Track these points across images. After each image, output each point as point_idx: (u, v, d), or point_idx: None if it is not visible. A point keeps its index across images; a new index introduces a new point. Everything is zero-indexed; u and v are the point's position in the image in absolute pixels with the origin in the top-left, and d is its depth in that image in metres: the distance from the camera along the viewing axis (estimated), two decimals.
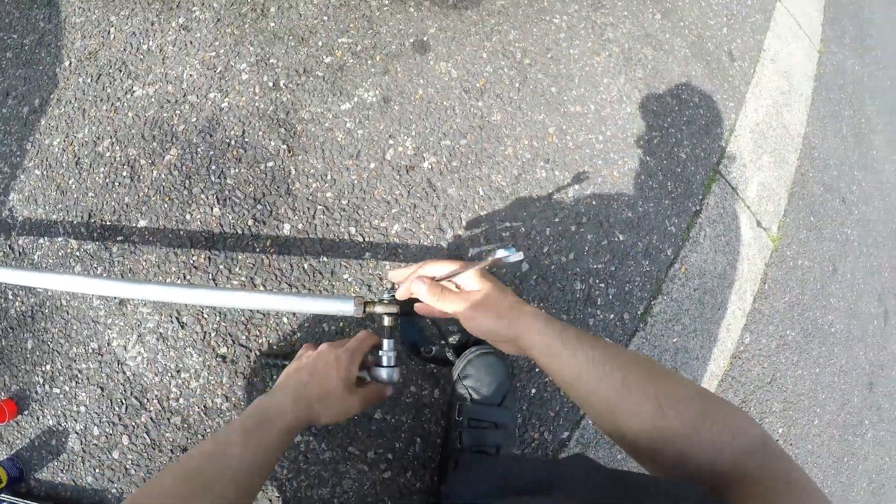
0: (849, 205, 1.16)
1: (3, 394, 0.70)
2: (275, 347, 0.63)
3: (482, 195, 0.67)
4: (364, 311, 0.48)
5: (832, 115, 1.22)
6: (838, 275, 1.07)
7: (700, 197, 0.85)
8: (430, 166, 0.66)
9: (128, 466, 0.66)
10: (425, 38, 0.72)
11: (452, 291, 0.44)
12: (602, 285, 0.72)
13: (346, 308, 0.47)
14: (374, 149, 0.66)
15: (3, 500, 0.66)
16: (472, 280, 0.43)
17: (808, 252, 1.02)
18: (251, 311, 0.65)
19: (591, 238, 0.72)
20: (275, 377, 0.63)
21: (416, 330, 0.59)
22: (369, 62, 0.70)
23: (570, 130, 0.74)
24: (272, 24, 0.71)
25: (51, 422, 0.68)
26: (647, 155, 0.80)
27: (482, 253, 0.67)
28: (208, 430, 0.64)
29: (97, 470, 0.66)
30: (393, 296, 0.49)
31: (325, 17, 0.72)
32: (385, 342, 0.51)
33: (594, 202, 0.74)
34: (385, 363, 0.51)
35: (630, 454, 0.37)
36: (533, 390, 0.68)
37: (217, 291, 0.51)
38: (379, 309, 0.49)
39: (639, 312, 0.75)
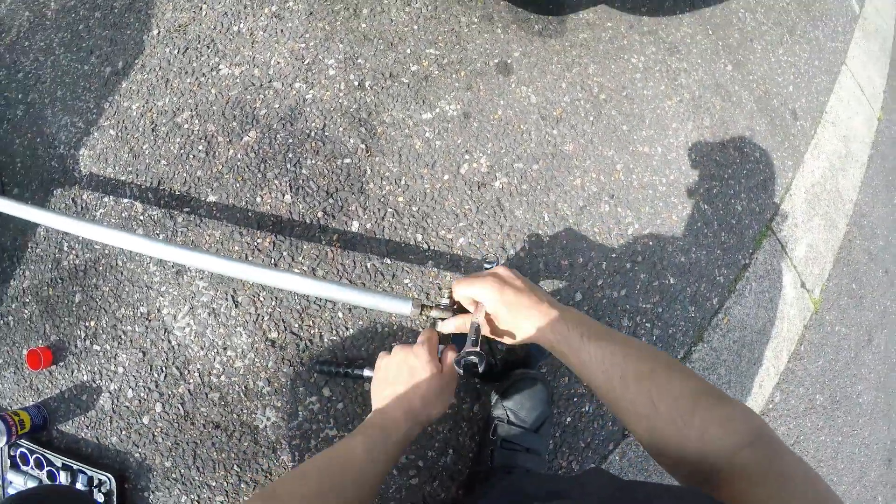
0: (891, 276, 1.22)
1: (41, 341, 0.75)
2: (328, 356, 0.67)
3: (547, 221, 0.72)
4: (420, 313, 0.52)
5: (885, 184, 1.28)
6: (873, 346, 1.12)
7: (750, 251, 0.90)
8: (501, 186, 0.72)
9: (155, 434, 0.70)
10: (509, 61, 0.78)
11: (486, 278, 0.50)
12: (648, 325, 0.77)
13: (404, 309, 0.52)
14: (450, 161, 0.71)
15: (22, 445, 0.70)
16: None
17: (847, 319, 1.07)
18: (308, 299, 0.70)
19: (643, 277, 0.77)
20: (329, 384, 0.68)
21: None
22: (454, 76, 0.75)
23: (636, 170, 0.80)
24: (363, 26, 0.77)
25: (85, 377, 0.72)
26: (706, 203, 0.85)
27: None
28: (244, 411, 0.68)
29: (123, 432, 0.71)
30: (448, 303, 0.53)
31: (416, 26, 0.77)
32: (473, 325, 0.51)
33: (650, 243, 0.79)
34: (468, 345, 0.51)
35: (642, 445, 0.41)
36: (568, 419, 0.72)
37: (280, 273, 0.55)
38: (434, 314, 0.53)
39: (678, 356, 0.80)
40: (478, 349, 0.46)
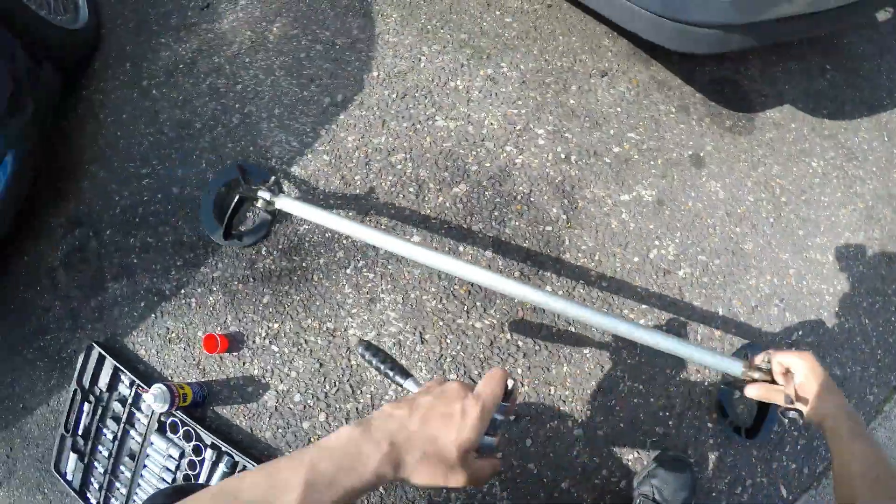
0: None
1: (219, 329, 0.86)
2: (377, 346, 0.65)
3: (720, 315, 0.79)
4: (746, 372, 0.59)
5: None
6: None
7: None
8: (684, 275, 0.79)
9: (312, 440, 0.80)
10: (702, 154, 0.86)
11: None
12: (796, 433, 0.82)
13: (735, 368, 0.58)
14: (641, 244, 0.80)
15: (176, 415, 0.79)
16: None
17: None
18: (492, 350, 0.77)
19: None
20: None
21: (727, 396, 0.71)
22: (651, 162, 0.84)
23: (807, 276, 0.85)
24: (571, 101, 0.87)
25: (256, 371, 0.82)
26: (867, 318, 0.89)
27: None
28: None
29: (280, 430, 0.81)
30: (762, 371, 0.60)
31: (619, 109, 0.86)
32: (501, 406, 0.42)
33: (811, 351, 0.83)
34: (491, 430, 0.42)
35: None
36: None
37: (600, 315, 0.61)
38: (757, 375, 0.59)
39: (817, 471, 0.84)
40: (797, 408, 0.55)
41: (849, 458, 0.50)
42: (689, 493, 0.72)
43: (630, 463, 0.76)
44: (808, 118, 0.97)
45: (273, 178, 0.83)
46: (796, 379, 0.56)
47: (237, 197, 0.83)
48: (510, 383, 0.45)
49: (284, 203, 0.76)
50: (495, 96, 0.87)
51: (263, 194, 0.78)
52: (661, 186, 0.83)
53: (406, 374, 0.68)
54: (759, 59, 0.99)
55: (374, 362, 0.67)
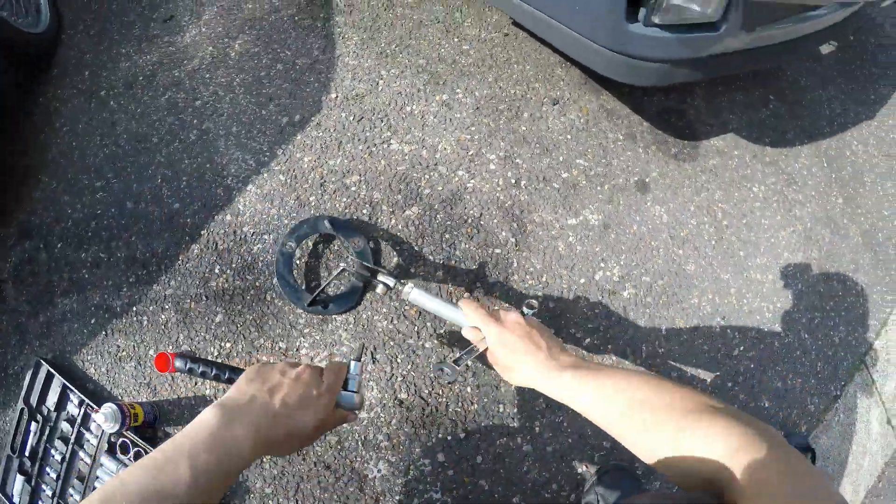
0: None
1: (171, 347, 0.88)
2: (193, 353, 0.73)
3: (664, 334, 0.86)
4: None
5: None
6: None
7: (842, 383, 1.02)
8: (629, 296, 0.86)
9: (265, 459, 0.82)
10: (647, 180, 0.94)
11: (494, 319, 0.59)
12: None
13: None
14: (587, 266, 0.87)
15: (126, 436, 0.80)
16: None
17: None
18: (440, 374, 0.81)
19: (742, 398, 0.90)
20: (444, 451, 0.78)
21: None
22: (598, 188, 0.91)
23: (748, 295, 0.94)
24: (523, 128, 0.94)
25: (208, 392, 0.85)
26: (807, 333, 0.98)
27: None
28: (358, 459, 0.82)
29: None
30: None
31: (569, 136, 0.94)
32: (352, 364, 0.57)
33: (752, 365, 0.91)
34: (350, 387, 0.56)
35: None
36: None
37: None
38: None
39: None
40: (460, 368, 0.57)
41: (593, 415, 0.48)
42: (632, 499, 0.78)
43: (579, 476, 0.81)
44: (751, 146, 1.07)
45: (365, 243, 0.81)
46: (488, 343, 0.58)
47: (341, 268, 0.76)
48: (385, 284, 0.65)
49: (418, 297, 0.66)
50: (450, 121, 0.94)
51: (387, 280, 0.70)
52: (608, 211, 0.90)
53: (235, 370, 0.72)
54: (705, 91, 1.09)
55: (196, 370, 0.69)
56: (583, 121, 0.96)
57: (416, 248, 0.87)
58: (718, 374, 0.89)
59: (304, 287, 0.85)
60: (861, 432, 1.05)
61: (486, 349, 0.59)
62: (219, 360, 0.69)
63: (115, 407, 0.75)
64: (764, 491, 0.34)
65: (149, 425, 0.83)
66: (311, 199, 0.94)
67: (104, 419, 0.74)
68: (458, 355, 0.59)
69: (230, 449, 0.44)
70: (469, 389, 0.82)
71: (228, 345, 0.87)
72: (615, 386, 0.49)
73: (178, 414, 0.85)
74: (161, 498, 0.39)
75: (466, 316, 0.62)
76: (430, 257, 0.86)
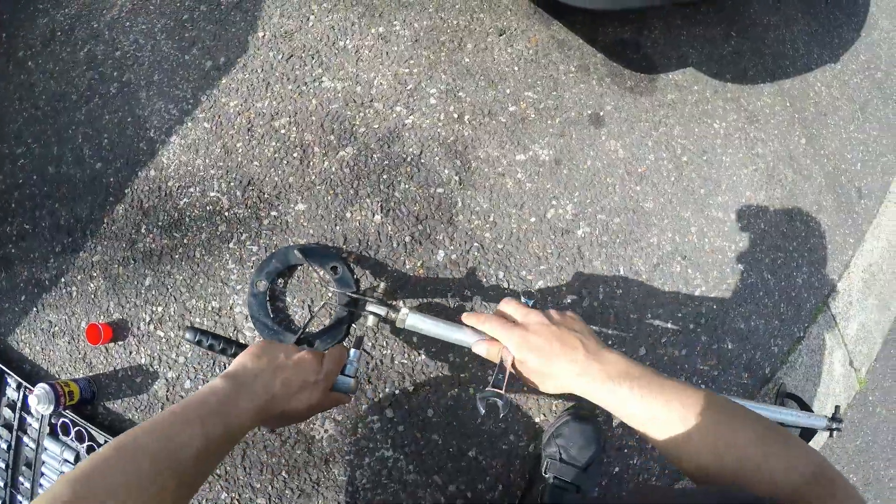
0: None
1: (102, 317, 0.82)
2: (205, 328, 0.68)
3: (621, 274, 0.81)
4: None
5: None
6: None
7: (805, 325, 0.99)
8: (583, 235, 0.80)
9: None
10: (601, 113, 0.88)
11: (514, 329, 0.52)
12: (702, 386, 0.85)
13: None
14: (538, 205, 0.80)
15: (65, 416, 0.76)
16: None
17: (889, 402, 1.15)
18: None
19: (704, 340, 0.85)
20: (392, 406, 0.74)
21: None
22: (549, 122, 0.85)
23: (709, 233, 0.89)
24: (467, 60, 0.87)
25: (143, 360, 0.79)
26: (769, 273, 0.94)
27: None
28: (293, 432, 0.75)
29: None
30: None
31: (517, 68, 0.87)
32: (352, 352, 0.59)
33: (714, 306, 0.87)
34: (348, 372, 0.59)
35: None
36: (616, 469, 0.80)
37: None
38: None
39: None
40: (502, 391, 0.49)
41: (645, 429, 0.46)
42: (595, 450, 0.73)
43: (537, 425, 0.76)
44: (711, 81, 1.02)
45: (341, 267, 0.72)
46: (513, 353, 0.51)
47: (322, 304, 0.72)
48: (375, 314, 0.61)
49: (416, 321, 0.60)
50: (386, 55, 0.86)
51: (378, 310, 0.62)
52: (559, 146, 0.84)
53: (241, 345, 0.67)
54: (663, 22, 1.03)
55: (204, 343, 0.66)
56: (531, 52, 0.89)
57: (352, 191, 0.79)
58: (680, 315, 0.85)
59: (283, 327, 0.76)
60: (825, 374, 1.03)
61: (513, 360, 0.51)
62: (225, 335, 0.67)
63: (47, 387, 0.70)
64: None
65: (87, 402, 0.77)
66: (237, 145, 0.85)
67: (37, 401, 0.70)
68: (493, 387, 0.50)
69: (235, 419, 0.47)
70: (415, 339, 0.75)
71: (160, 308, 0.79)
72: (683, 403, 0.45)
73: (115, 387, 0.78)
74: (175, 458, 0.42)
75: (480, 328, 0.54)
76: (368, 200, 0.78)
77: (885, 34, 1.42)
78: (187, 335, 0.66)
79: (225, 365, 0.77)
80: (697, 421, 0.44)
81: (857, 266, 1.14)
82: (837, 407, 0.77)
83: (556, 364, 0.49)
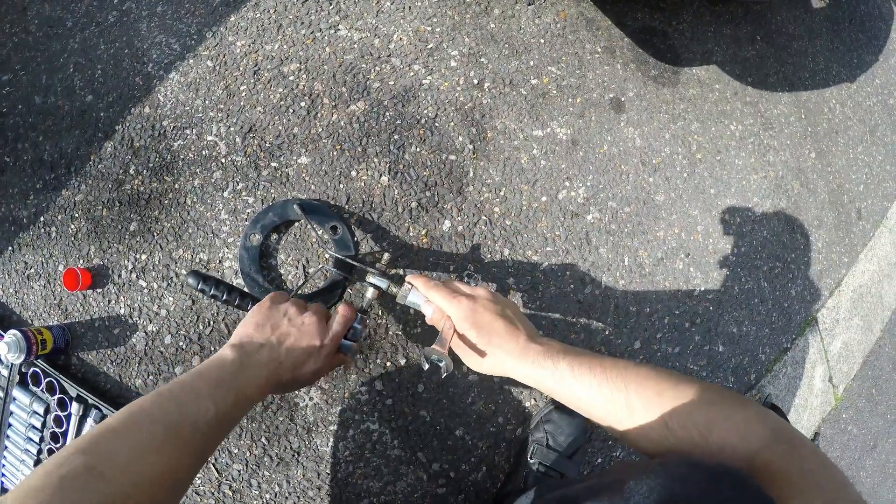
0: None
1: (82, 262, 0.78)
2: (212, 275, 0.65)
3: (626, 265, 0.80)
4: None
5: None
6: (876, 452, 1.25)
7: (793, 336, 1.00)
8: (592, 220, 0.79)
9: None
10: (623, 99, 0.85)
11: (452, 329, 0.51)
12: None
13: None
14: (551, 184, 0.78)
15: (37, 365, 0.73)
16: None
17: (860, 421, 1.19)
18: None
19: (697, 340, 0.86)
20: (383, 379, 0.72)
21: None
22: (570, 100, 0.82)
23: (714, 234, 0.88)
24: (492, 25, 0.83)
25: (122, 310, 0.75)
26: (766, 282, 0.94)
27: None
28: (276, 398, 0.72)
29: (151, 377, 0.74)
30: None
31: (542, 41, 0.84)
32: (358, 317, 0.58)
33: (711, 308, 0.87)
34: (351, 336, 0.58)
35: None
36: (599, 460, 0.79)
37: None
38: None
39: None
40: (445, 351, 0.48)
41: (587, 407, 0.45)
42: (581, 435, 0.73)
43: (526, 409, 0.75)
44: (733, 82, 1.01)
45: (359, 244, 0.67)
46: (456, 326, 0.51)
47: (318, 267, 0.68)
48: (376, 287, 0.59)
49: (416, 297, 0.57)
50: (409, 9, 0.82)
51: (379, 283, 0.59)
52: (578, 126, 0.82)
53: (246, 296, 0.63)
54: (692, 16, 1.01)
55: (209, 291, 0.62)
56: (559, 26, 0.86)
57: (359, 149, 0.75)
58: (678, 313, 0.84)
59: (274, 286, 0.72)
60: (805, 387, 1.05)
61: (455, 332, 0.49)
62: (230, 283, 0.64)
63: (18, 334, 0.66)
64: (811, 480, 0.34)
65: (60, 351, 0.73)
66: (241, 88, 0.80)
67: (7, 349, 0.66)
68: (438, 346, 0.48)
69: (244, 389, 0.47)
70: (412, 310, 0.72)
71: (144, 256, 0.75)
72: (624, 378, 0.44)
73: (91, 337, 0.74)
74: (187, 427, 0.42)
75: (426, 294, 0.53)
76: (376, 160, 0.75)
77: None
78: (189, 280, 0.62)
79: (212, 321, 0.74)
80: (640, 394, 0.42)
81: (848, 285, 1.16)
82: (817, 433, 0.78)
83: (496, 343, 0.48)
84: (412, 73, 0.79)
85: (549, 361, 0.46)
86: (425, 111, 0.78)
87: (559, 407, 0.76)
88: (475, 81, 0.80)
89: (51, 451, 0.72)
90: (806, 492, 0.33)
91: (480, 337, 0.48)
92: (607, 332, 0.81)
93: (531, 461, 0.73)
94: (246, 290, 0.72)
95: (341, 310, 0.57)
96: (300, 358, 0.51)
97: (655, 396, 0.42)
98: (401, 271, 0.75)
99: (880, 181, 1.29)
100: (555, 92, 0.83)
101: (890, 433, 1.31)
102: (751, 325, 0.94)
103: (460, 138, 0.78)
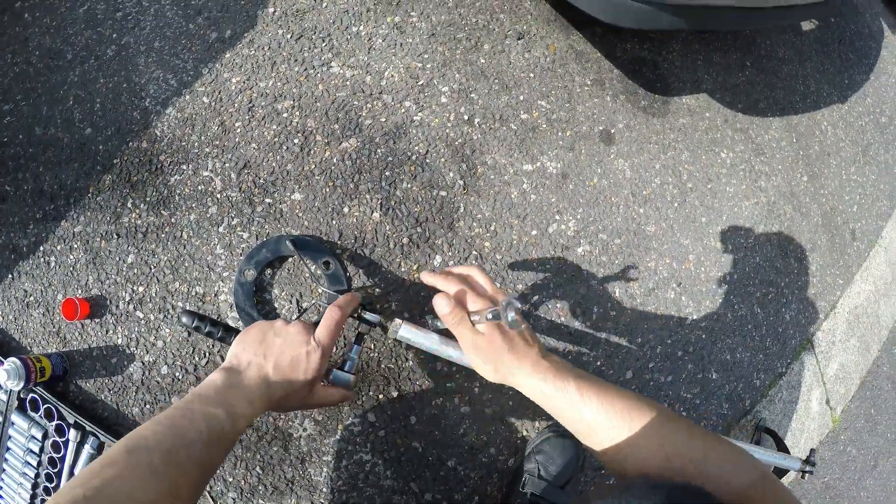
0: None
1: (80, 292, 0.79)
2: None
3: (617, 296, 0.81)
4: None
5: None
6: (877, 471, 1.24)
7: (788, 361, 1.00)
8: (583, 253, 0.80)
9: None
10: (613, 131, 0.87)
11: (467, 324, 0.51)
12: (684, 413, 0.85)
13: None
14: (541, 218, 0.79)
15: (35, 391, 0.74)
16: (482, 326, 0.51)
17: (859, 441, 1.18)
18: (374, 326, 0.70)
19: (690, 368, 0.86)
20: (375, 411, 0.73)
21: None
22: (559, 134, 0.83)
23: (706, 263, 0.89)
24: (482, 61, 0.84)
25: (120, 340, 0.76)
26: (760, 307, 0.95)
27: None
28: (283, 417, 0.74)
29: (148, 406, 0.75)
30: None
31: (532, 75, 0.85)
32: (354, 348, 0.60)
33: (703, 336, 0.87)
34: (348, 368, 0.59)
35: None
36: (592, 488, 0.79)
37: None
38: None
39: None
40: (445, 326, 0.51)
41: (590, 432, 0.46)
42: (574, 466, 0.73)
43: (518, 441, 0.76)
44: (723, 109, 1.02)
45: (332, 265, 0.69)
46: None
47: (311, 303, 0.69)
48: (368, 322, 0.61)
49: (407, 333, 0.59)
50: (400, 46, 0.83)
51: (370, 318, 0.61)
52: (568, 159, 0.83)
53: (238, 332, 0.64)
54: (681, 45, 1.02)
55: (203, 329, 0.63)
56: (549, 60, 0.87)
57: (352, 185, 0.76)
58: (670, 342, 0.85)
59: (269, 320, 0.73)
60: (801, 410, 1.05)
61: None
62: (224, 322, 0.66)
63: (18, 362, 0.67)
64: None
65: (59, 379, 0.74)
66: (236, 124, 0.81)
67: (6, 376, 0.67)
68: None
69: (235, 408, 0.48)
70: (404, 344, 0.73)
71: (141, 288, 0.76)
72: (628, 406, 0.46)
73: (89, 365, 0.75)
74: (183, 452, 0.43)
75: (437, 309, 0.52)
76: (368, 196, 0.76)
77: (894, 79, 1.44)
78: (184, 319, 0.63)
79: (207, 353, 0.75)
80: (642, 425, 0.44)
81: (844, 307, 1.16)
82: (813, 450, 0.79)
83: (513, 353, 0.49)
84: (403, 110, 0.81)
85: (559, 381, 0.47)
86: (416, 147, 0.80)
87: (551, 437, 0.76)
88: (465, 117, 0.82)
89: (48, 476, 0.73)
90: None
91: (504, 341, 0.49)
92: (599, 363, 0.81)
93: (523, 491, 0.74)
94: (241, 324, 0.74)
95: (327, 311, 0.56)
96: (287, 367, 0.52)
97: (656, 428, 0.44)
98: (392, 306, 0.76)
99: (874, 200, 1.30)
100: (545, 126, 0.84)
101: (891, 452, 1.30)
102: (745, 351, 0.94)
103: (451, 174, 0.79)
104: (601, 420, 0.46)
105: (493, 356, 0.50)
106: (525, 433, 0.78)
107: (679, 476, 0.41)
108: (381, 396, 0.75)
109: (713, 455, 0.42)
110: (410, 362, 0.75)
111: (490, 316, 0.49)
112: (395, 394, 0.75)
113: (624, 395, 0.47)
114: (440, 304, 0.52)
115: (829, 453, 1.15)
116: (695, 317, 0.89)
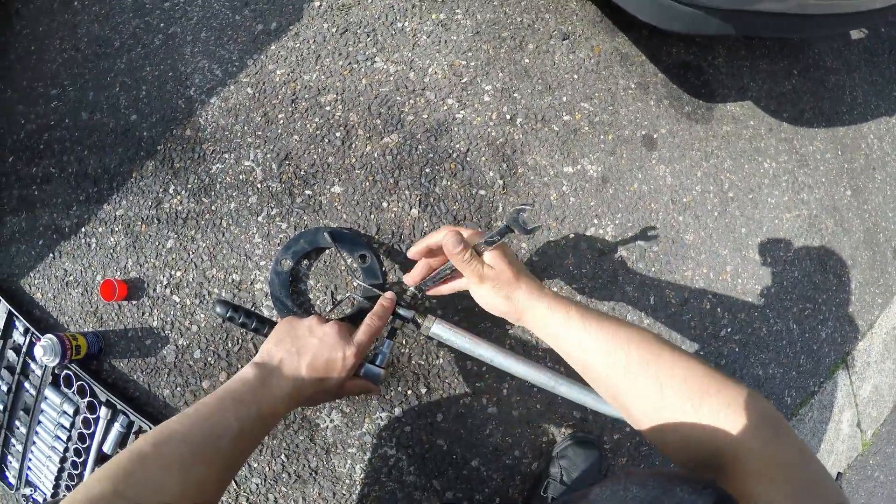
0: None
1: (119, 273, 0.81)
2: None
3: (651, 304, 0.80)
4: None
5: None
6: None
7: (821, 380, 0.98)
8: (620, 258, 0.79)
9: None
10: (655, 136, 0.85)
11: (477, 258, 0.51)
12: None
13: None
14: (579, 221, 0.78)
15: (69, 368, 0.76)
16: (488, 257, 0.51)
17: (888, 467, 1.15)
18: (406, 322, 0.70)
19: None
20: (401, 404, 0.73)
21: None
22: (601, 137, 0.82)
23: (743, 275, 0.87)
24: (526, 60, 0.84)
25: (155, 323, 0.78)
26: (795, 323, 0.92)
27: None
28: (310, 407, 0.74)
29: (178, 388, 0.77)
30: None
31: (576, 76, 0.84)
32: (386, 342, 0.60)
33: (737, 349, 0.86)
34: (379, 362, 0.60)
35: (641, 434, 0.44)
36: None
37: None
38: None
39: None
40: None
41: (587, 360, 0.46)
42: (595, 473, 0.73)
43: (543, 444, 0.76)
44: (768, 118, 0.99)
45: (366, 256, 0.70)
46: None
47: (346, 296, 0.70)
48: (401, 318, 0.61)
49: (440, 330, 0.60)
50: (444, 43, 0.83)
51: (404, 314, 0.62)
52: (609, 163, 0.82)
53: (272, 323, 0.65)
54: (727, 51, 1.00)
55: (237, 320, 0.65)
56: (593, 61, 0.86)
57: (391, 181, 0.77)
58: (702, 353, 0.84)
59: (302, 310, 0.75)
60: (831, 431, 1.02)
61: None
62: (258, 313, 0.67)
63: (55, 339, 0.70)
64: (786, 472, 0.33)
65: (93, 357, 0.77)
66: (279, 116, 0.82)
67: (43, 352, 0.69)
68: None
69: (266, 403, 0.48)
70: (435, 341, 0.73)
71: (179, 273, 0.78)
72: (628, 337, 0.44)
73: (123, 346, 0.78)
74: (212, 445, 0.43)
75: (447, 247, 0.51)
76: (407, 192, 0.77)
77: None
78: (218, 309, 0.64)
79: (240, 340, 0.76)
80: (640, 353, 0.43)
81: (881, 327, 1.12)
82: (840, 474, 0.77)
83: (521, 279, 0.50)
84: (446, 107, 0.81)
85: (562, 307, 0.48)
86: (457, 145, 0.79)
87: (574, 444, 0.76)
88: (508, 117, 0.81)
89: (76, 451, 0.75)
90: (779, 484, 0.33)
91: (512, 269, 0.50)
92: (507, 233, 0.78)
93: (544, 495, 0.73)
94: (275, 313, 0.75)
95: (368, 319, 0.57)
96: (321, 370, 0.52)
97: (654, 357, 0.42)
98: (426, 302, 0.76)
99: None
100: (587, 128, 0.83)
101: None
102: (777, 367, 0.92)
103: (491, 173, 0.79)
104: (600, 347, 0.45)
105: (504, 284, 0.50)
106: (550, 437, 0.78)
107: (676, 416, 0.39)
108: (409, 392, 0.76)
109: (711, 392, 0.39)
110: (441, 360, 0.76)
111: (499, 235, 0.48)
112: (423, 390, 0.76)
113: (625, 325, 0.47)
114: (450, 241, 0.50)
115: (856, 477, 1.12)
116: (729, 329, 0.87)
